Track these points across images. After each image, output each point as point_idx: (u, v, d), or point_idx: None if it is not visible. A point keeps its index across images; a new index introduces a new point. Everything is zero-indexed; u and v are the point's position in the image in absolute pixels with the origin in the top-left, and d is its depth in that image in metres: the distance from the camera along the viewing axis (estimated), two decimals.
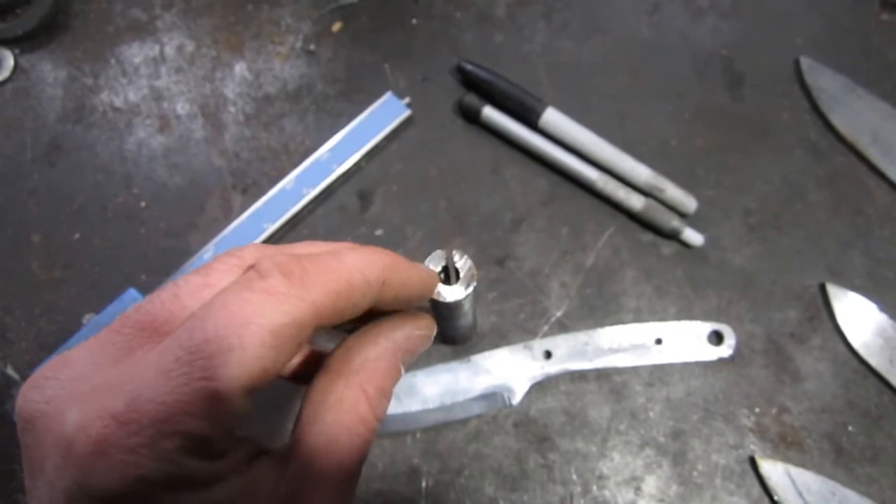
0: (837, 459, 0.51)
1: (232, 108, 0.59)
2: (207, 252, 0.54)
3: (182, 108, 0.59)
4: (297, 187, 0.55)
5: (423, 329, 0.32)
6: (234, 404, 0.24)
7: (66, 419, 0.23)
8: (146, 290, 0.53)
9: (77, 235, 0.55)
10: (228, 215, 0.56)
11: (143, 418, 0.23)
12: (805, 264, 0.55)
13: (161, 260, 0.55)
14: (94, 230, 0.56)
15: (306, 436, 0.28)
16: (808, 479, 0.50)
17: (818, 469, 0.50)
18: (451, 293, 0.35)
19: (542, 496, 0.50)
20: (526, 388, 0.52)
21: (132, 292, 0.52)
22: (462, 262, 0.35)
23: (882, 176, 0.57)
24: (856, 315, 0.53)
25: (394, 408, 0.51)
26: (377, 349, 0.31)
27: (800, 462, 0.51)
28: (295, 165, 0.56)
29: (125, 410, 0.23)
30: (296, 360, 0.38)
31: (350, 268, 0.28)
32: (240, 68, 0.60)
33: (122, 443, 0.23)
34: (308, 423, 0.28)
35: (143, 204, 0.56)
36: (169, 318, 0.27)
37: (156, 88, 0.59)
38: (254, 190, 0.56)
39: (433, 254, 0.35)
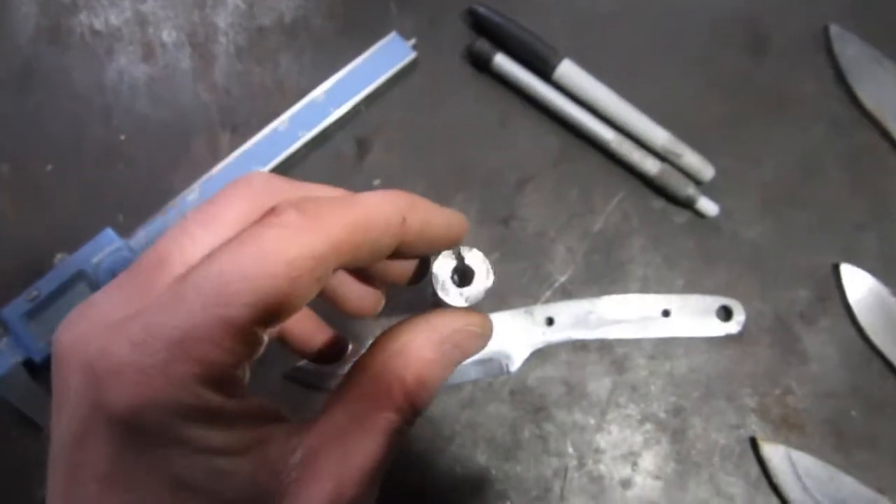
0: (838, 444, 0.49)
1: (223, 39, 0.54)
2: (192, 193, 0.50)
3: (168, 35, 0.54)
4: (291, 129, 0.52)
5: (475, 326, 0.30)
6: (248, 333, 0.24)
7: (90, 348, 0.24)
8: (124, 231, 0.49)
9: (49, 167, 0.51)
10: (216, 155, 0.52)
11: (156, 341, 0.23)
12: (819, 243, 0.53)
13: (141, 199, 0.51)
14: (69, 163, 0.51)
15: (331, 414, 0.27)
16: (807, 462, 0.48)
17: (818, 453, 0.49)
18: (461, 297, 0.31)
19: (536, 468, 0.48)
20: (525, 355, 0.49)
21: (109, 233, 0.48)
22: (474, 259, 0.31)
23: None
24: (867, 298, 0.51)
25: None
26: (420, 336, 0.29)
27: (800, 445, 0.49)
28: (289, 105, 0.52)
29: (140, 333, 0.23)
30: (320, 339, 0.37)
31: (366, 204, 0.27)
32: None
33: (135, 363, 0.23)
34: (336, 401, 0.27)
35: (122, 138, 0.52)
36: (182, 252, 0.26)
37: (140, 12, 0.55)
38: (244, 129, 0.52)
39: (441, 255, 0.31)
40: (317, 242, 0.25)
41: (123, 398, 0.23)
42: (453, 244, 0.31)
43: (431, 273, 0.31)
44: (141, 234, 0.50)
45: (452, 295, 0.31)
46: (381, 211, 0.27)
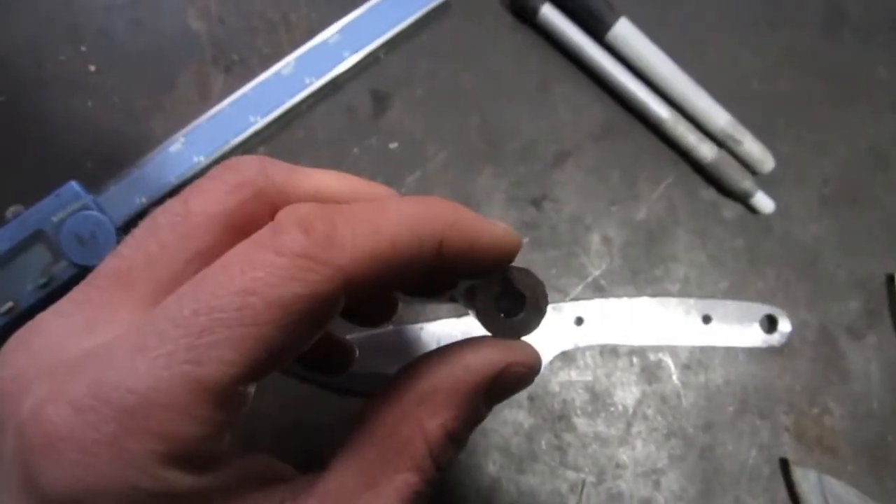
0: (871, 469, 0.46)
1: None
2: (174, 144, 0.42)
3: None
4: (296, 73, 0.44)
5: (521, 366, 0.24)
6: (226, 398, 0.19)
7: (24, 401, 0.19)
8: (91, 184, 0.41)
9: (2, 98, 0.42)
10: (206, 98, 0.44)
11: (105, 408, 0.18)
12: (876, 249, 0.48)
13: (114, 145, 0.43)
14: (26, 95, 0.43)
15: (337, 472, 0.22)
16: (839, 489, 0.45)
17: (850, 477, 0.46)
18: (509, 328, 0.24)
19: (551, 481, 0.43)
20: (550, 357, 0.44)
21: (73, 186, 0.40)
22: (525, 280, 0.24)
23: None
24: None
25: (394, 365, 0.43)
26: (451, 379, 0.23)
27: (832, 468, 0.46)
28: (296, 45, 0.44)
29: (84, 395, 0.18)
30: (323, 347, 0.32)
31: (395, 222, 0.21)
32: None
33: (76, 437, 0.18)
34: (343, 456, 0.22)
35: (92, 68, 0.43)
36: (148, 264, 0.22)
37: None
38: (240, 69, 0.44)
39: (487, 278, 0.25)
40: (324, 277, 0.19)
41: (59, 482, 0.18)
42: (499, 268, 0.24)
43: (473, 293, 0.25)
44: (112, 190, 0.42)
45: (496, 325, 0.24)
46: (412, 235, 0.21)
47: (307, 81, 0.44)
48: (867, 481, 0.46)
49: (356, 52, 0.44)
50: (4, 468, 0.19)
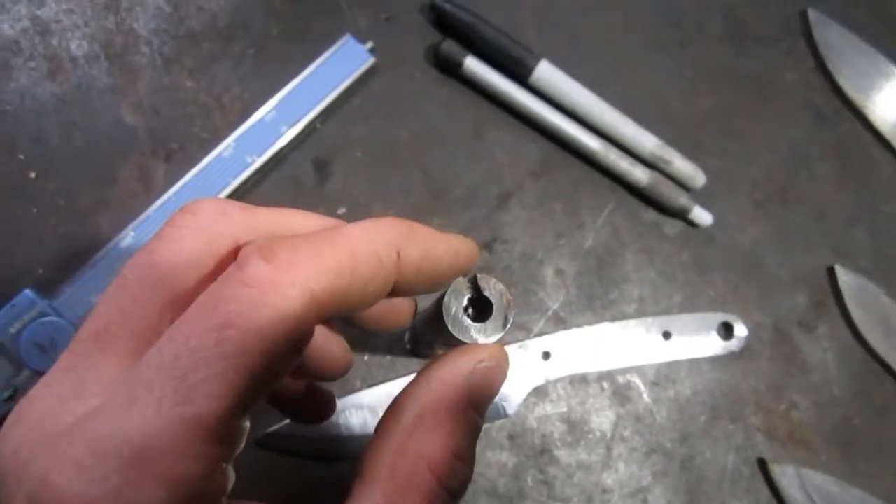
0: (844, 455, 0.48)
1: (146, 49, 0.46)
2: (125, 238, 0.42)
3: (78, 46, 0.45)
4: (237, 154, 0.44)
5: (489, 360, 0.25)
6: (221, 433, 0.19)
7: (29, 472, 0.19)
8: (45, 288, 0.41)
9: None
10: (150, 190, 0.44)
11: (105, 461, 0.18)
12: (812, 243, 0.50)
13: (63, 249, 0.43)
14: None
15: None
16: (817, 480, 0.46)
17: (824, 467, 0.47)
18: (485, 332, 0.26)
19: None
20: (523, 395, 0.45)
21: (27, 295, 0.40)
22: (491, 287, 0.26)
23: (887, 145, 0.52)
24: (863, 301, 0.49)
25: (370, 423, 0.43)
26: (433, 394, 0.24)
27: (807, 460, 0.47)
28: (233, 126, 0.45)
29: (84, 455, 0.18)
30: (302, 395, 0.32)
31: (351, 238, 0.22)
32: None
33: (83, 496, 0.18)
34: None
35: (32, 175, 0.43)
36: (123, 319, 0.22)
37: (40, 19, 0.45)
38: (181, 157, 0.45)
39: (452, 284, 0.26)
40: (291, 298, 0.20)
41: None
42: (458, 276, 0.26)
43: (442, 306, 0.26)
44: (67, 292, 0.41)
45: (467, 331, 0.26)
46: (370, 247, 0.22)
47: (249, 160, 0.45)
48: (842, 467, 0.48)
49: (293, 125, 0.45)
50: None
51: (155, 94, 0.46)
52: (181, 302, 0.22)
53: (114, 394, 0.20)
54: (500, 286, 0.26)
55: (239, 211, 0.24)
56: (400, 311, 0.30)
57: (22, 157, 0.44)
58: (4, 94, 0.44)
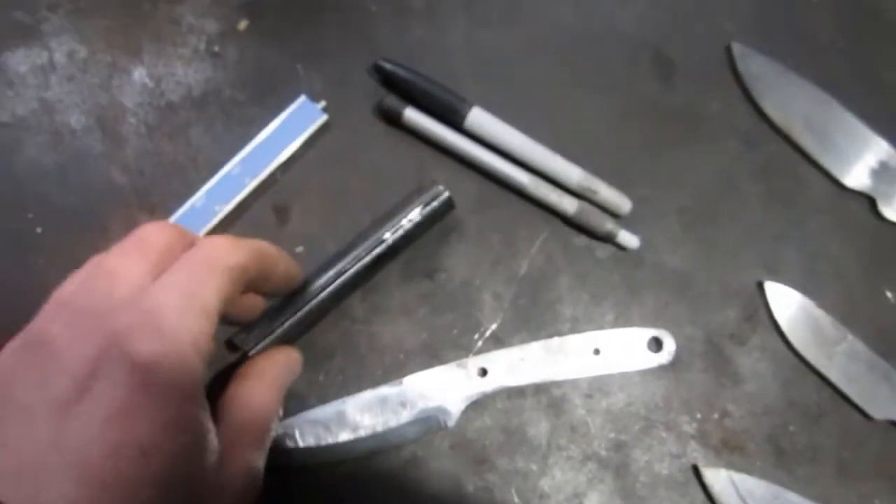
0: (779, 461, 0.50)
1: (132, 119, 0.54)
2: None
3: (77, 121, 0.54)
4: (207, 204, 0.51)
5: (293, 355, 0.44)
6: (213, 313, 0.33)
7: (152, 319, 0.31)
8: None
9: None
10: None
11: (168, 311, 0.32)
12: (741, 262, 0.53)
13: None
14: None
15: (230, 414, 0.37)
16: (750, 484, 0.49)
17: (761, 473, 0.50)
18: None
19: None
20: (461, 408, 0.49)
21: None
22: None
23: (814, 164, 0.55)
24: (793, 312, 0.52)
25: (323, 437, 0.48)
26: (270, 361, 0.42)
27: (742, 466, 0.50)
28: (204, 180, 0.52)
29: (164, 309, 0.32)
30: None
31: (259, 244, 0.38)
32: (138, 74, 0.55)
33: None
34: (228, 408, 0.37)
35: (38, 230, 0.51)
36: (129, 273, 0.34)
37: (46, 100, 0.54)
38: (161, 209, 0.52)
39: None
40: (243, 256, 0.35)
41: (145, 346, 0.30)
42: (290, 287, 0.45)
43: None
44: None
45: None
46: (267, 245, 0.39)
47: (217, 209, 0.51)
48: (778, 473, 0.50)
49: (255, 177, 0.52)
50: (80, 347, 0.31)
51: (140, 157, 0.53)
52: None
53: (162, 284, 0.32)
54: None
55: (178, 234, 0.37)
56: (254, 309, 0.44)
57: (31, 215, 0.52)
58: (16, 164, 0.53)
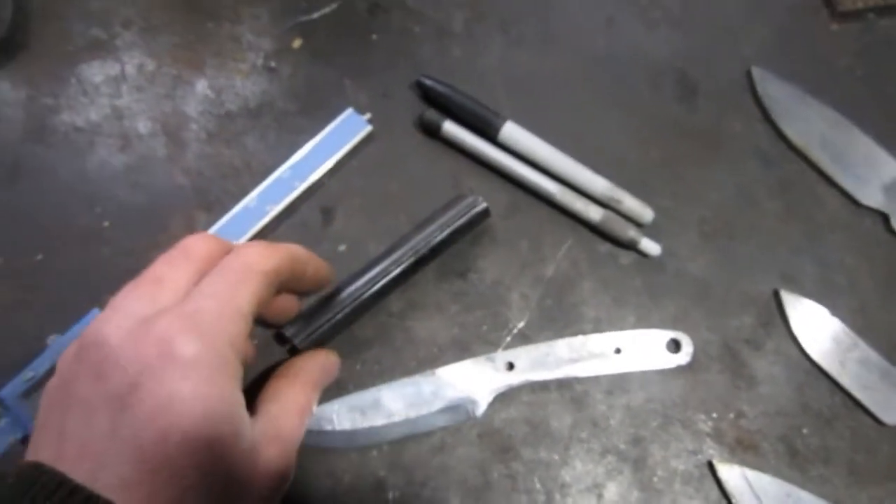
0: (792, 461, 0.52)
1: (193, 126, 0.59)
2: None
3: (143, 126, 0.59)
4: (259, 204, 0.56)
5: (330, 358, 0.48)
6: (248, 315, 0.38)
7: (150, 336, 0.34)
8: None
9: (40, 257, 0.55)
10: (192, 233, 0.55)
11: (203, 320, 0.36)
12: (758, 271, 0.56)
13: (125, 279, 0.54)
14: (57, 251, 0.56)
15: (265, 410, 0.40)
16: (764, 481, 0.51)
17: (774, 471, 0.52)
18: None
19: None
20: (489, 399, 0.52)
21: (96, 312, 0.52)
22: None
23: (831, 182, 0.58)
24: (808, 320, 0.55)
25: (359, 422, 0.52)
26: (308, 363, 0.46)
27: (756, 465, 0.52)
28: (257, 183, 0.56)
29: (190, 319, 0.35)
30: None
31: (289, 248, 0.42)
32: (201, 86, 0.60)
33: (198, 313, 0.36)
34: (265, 406, 0.41)
35: (105, 224, 0.56)
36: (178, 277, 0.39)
37: (117, 107, 0.59)
38: (217, 207, 0.57)
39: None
40: (278, 261, 0.39)
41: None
42: (323, 288, 0.48)
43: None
44: None
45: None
46: (299, 249, 0.42)
47: (268, 209, 0.56)
48: (790, 472, 0.52)
49: (304, 180, 0.57)
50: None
51: (199, 160, 0.58)
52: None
53: (201, 290, 0.37)
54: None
55: (218, 245, 0.41)
56: (289, 309, 0.47)
57: (99, 210, 0.57)
58: (89, 164, 0.58)
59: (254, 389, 0.41)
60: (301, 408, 0.42)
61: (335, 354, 0.48)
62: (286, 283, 0.41)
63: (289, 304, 0.47)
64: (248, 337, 0.37)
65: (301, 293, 0.47)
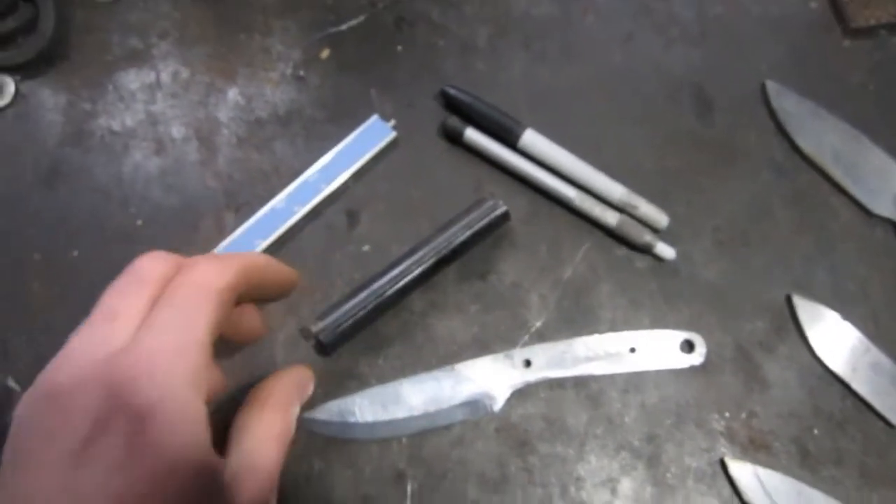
0: (804, 461, 0.53)
1: (225, 132, 0.61)
2: None
3: (177, 131, 0.61)
4: (287, 206, 0.58)
5: (303, 374, 0.46)
6: (207, 343, 0.35)
7: (119, 370, 0.32)
8: None
9: (76, 253, 0.58)
10: (222, 233, 0.58)
11: (171, 350, 0.34)
12: (772, 278, 0.58)
13: None
14: (92, 248, 0.58)
15: (238, 445, 0.38)
16: (775, 480, 0.52)
17: (786, 471, 0.53)
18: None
19: (523, 498, 0.52)
20: (507, 395, 0.54)
21: None
22: None
23: (844, 193, 0.60)
24: (821, 325, 0.56)
25: (381, 415, 0.53)
26: (277, 384, 0.43)
27: (768, 464, 0.53)
28: (285, 186, 0.59)
29: (163, 349, 0.33)
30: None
31: (251, 255, 0.41)
32: (232, 94, 0.63)
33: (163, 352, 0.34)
34: (237, 438, 0.38)
35: (139, 223, 0.59)
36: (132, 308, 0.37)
37: (152, 113, 0.62)
38: (246, 209, 0.59)
39: None
40: (232, 277, 0.37)
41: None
42: (286, 294, 0.44)
43: None
44: None
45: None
46: (256, 256, 0.41)
47: (295, 210, 0.58)
48: (802, 472, 0.53)
49: (330, 184, 0.59)
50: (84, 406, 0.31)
51: (230, 164, 0.60)
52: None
53: (152, 324, 0.34)
54: None
55: (171, 262, 0.39)
56: (252, 327, 0.44)
57: (133, 210, 0.59)
58: (124, 167, 0.60)
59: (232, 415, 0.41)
60: (276, 434, 0.39)
61: (309, 369, 0.46)
62: (246, 295, 0.39)
63: (252, 321, 0.43)
64: (211, 364, 0.34)
65: (264, 302, 0.44)
